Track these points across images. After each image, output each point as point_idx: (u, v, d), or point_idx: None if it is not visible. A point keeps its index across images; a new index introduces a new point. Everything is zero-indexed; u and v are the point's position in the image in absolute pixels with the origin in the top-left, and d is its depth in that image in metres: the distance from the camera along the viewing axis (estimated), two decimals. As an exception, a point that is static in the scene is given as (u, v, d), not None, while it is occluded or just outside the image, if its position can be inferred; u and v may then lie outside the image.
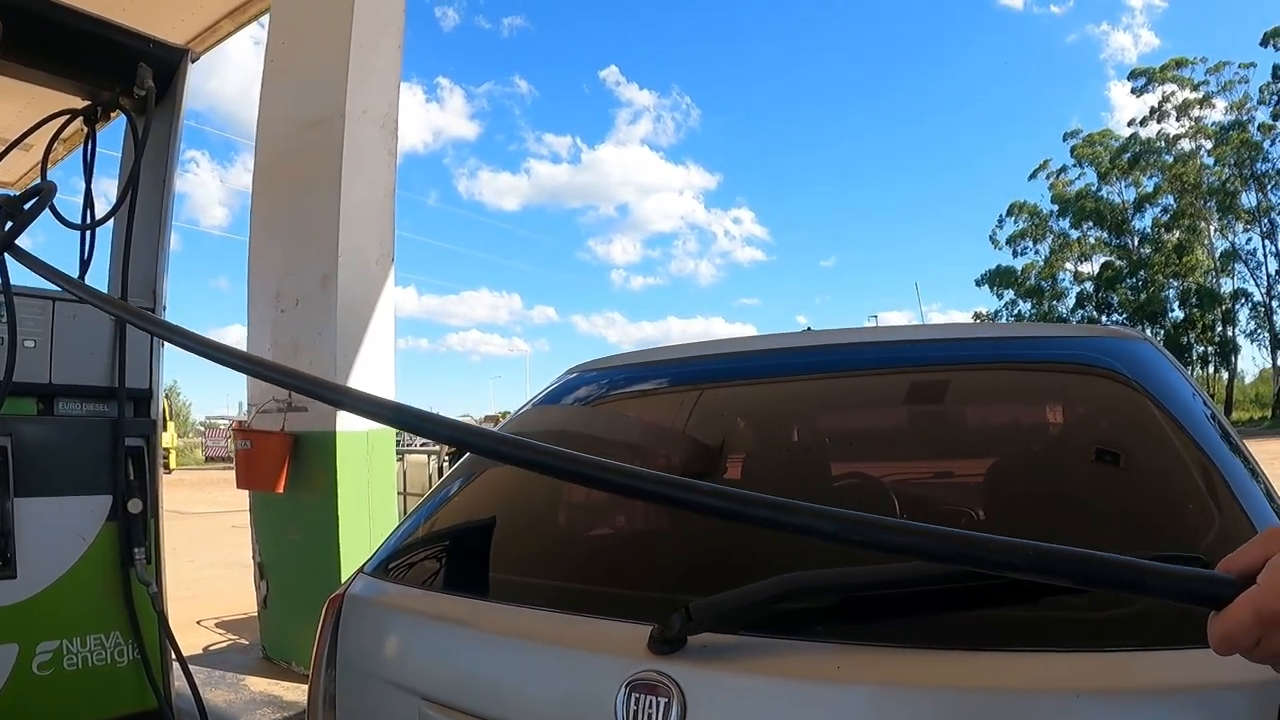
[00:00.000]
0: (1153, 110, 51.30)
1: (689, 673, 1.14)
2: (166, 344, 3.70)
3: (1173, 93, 50.70)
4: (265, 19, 5.89)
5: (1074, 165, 54.62)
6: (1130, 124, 52.95)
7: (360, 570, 1.80)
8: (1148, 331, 46.44)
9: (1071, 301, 55.25)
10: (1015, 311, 55.22)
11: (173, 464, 32.13)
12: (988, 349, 1.93)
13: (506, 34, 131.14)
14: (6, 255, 1.36)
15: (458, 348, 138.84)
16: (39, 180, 4.34)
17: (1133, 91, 52.56)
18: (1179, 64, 50.55)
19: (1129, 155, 52.02)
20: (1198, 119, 50.06)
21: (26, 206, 1.37)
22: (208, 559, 10.09)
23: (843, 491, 1.81)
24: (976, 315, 55.95)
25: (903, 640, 1.12)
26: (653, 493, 0.85)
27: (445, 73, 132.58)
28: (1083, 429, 1.75)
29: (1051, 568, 0.72)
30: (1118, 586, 0.72)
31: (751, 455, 1.92)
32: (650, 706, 1.13)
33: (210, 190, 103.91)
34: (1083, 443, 1.69)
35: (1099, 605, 1.11)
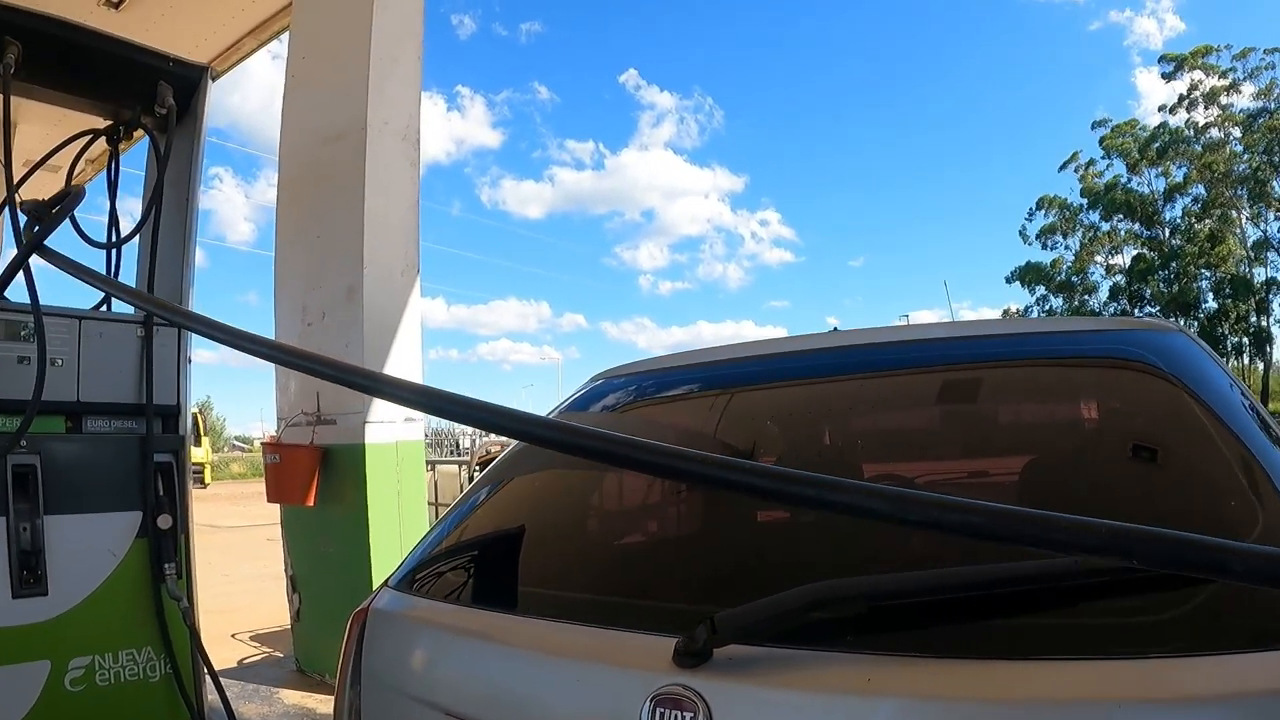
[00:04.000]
0: (1181, 98, 50.68)
1: (714, 686, 1.11)
2: (193, 361, 3.72)
3: (1201, 80, 50.05)
4: (286, 35, 5.94)
5: (1103, 157, 53.99)
6: (1160, 109, 52.32)
7: (385, 584, 1.79)
8: (1181, 323, 45.90)
9: (1104, 295, 54.57)
10: (1047, 307, 54.54)
11: (208, 478, 32.44)
12: (1019, 344, 1.90)
13: (524, 40, 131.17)
14: (35, 255, 1.40)
15: (489, 357, 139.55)
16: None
17: (1162, 76, 51.76)
18: (1207, 51, 49.89)
19: (1158, 145, 51.38)
20: (1226, 106, 49.40)
21: (54, 210, 1.40)
22: (242, 572, 10.17)
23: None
24: (1007, 312, 55.30)
25: (935, 650, 1.09)
26: (701, 474, 0.82)
27: (464, 81, 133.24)
28: (1119, 423, 1.71)
29: (1127, 548, 0.64)
30: (1201, 569, 0.66)
31: (782, 458, 1.89)
32: (675, 720, 1.10)
33: (236, 206, 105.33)
34: (1119, 437, 1.65)
35: (1137, 611, 1.07)
